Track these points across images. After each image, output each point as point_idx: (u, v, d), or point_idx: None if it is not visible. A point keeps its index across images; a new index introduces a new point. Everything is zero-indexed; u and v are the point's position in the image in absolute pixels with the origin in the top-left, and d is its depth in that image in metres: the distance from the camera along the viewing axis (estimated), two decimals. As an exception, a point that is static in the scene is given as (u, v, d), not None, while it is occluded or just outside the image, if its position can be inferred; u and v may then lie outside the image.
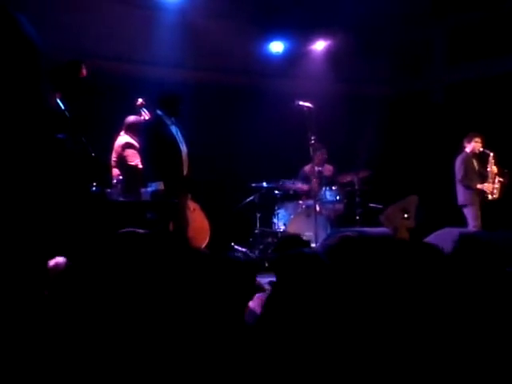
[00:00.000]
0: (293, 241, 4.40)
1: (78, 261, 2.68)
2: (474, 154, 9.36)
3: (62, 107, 5.88)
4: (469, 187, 9.24)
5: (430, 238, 8.25)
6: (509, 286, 2.61)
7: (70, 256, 3.30)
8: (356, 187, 9.63)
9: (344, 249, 2.35)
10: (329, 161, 9.98)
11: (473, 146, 9.32)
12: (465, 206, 9.27)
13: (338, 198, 9.66)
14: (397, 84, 11.80)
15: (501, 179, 9.26)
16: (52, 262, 3.76)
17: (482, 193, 9.20)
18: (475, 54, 11.13)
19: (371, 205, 9.92)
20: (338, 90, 10.95)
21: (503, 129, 10.18)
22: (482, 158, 9.36)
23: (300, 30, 10.60)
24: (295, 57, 11.07)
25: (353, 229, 8.63)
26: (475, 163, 9.35)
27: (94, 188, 5.96)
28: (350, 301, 2.32)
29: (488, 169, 9.29)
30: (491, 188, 9.22)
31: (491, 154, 9.30)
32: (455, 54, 11.59)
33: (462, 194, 9.32)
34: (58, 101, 5.87)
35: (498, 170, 9.29)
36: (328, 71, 11.16)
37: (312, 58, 11.31)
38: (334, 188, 9.66)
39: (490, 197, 9.20)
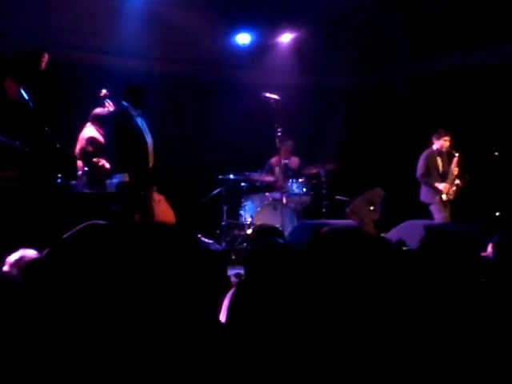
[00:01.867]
0: (269, 232, 4.37)
1: (46, 253, 2.63)
2: (439, 152, 9.32)
3: (26, 98, 5.79)
4: (427, 184, 9.30)
5: (394, 231, 8.35)
6: (482, 274, 2.64)
7: (37, 248, 3.25)
8: (322, 179, 9.66)
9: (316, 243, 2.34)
10: (295, 153, 9.98)
11: (441, 143, 9.28)
12: (426, 204, 9.33)
13: (304, 190, 9.67)
14: (362, 76, 11.84)
15: (458, 182, 9.27)
16: (17, 255, 3.70)
17: (439, 191, 9.22)
18: (439, 46, 11.21)
19: (337, 197, 9.96)
20: (304, 82, 10.97)
21: (467, 121, 10.27)
22: (447, 156, 9.36)
23: (266, 22, 10.58)
24: (262, 49, 11.04)
25: (319, 221, 8.67)
26: (439, 161, 9.32)
27: (58, 180, 5.88)
28: (321, 292, 2.31)
29: (450, 169, 9.30)
30: (448, 188, 9.19)
31: (456, 155, 9.25)
32: (419, 46, 11.66)
33: (422, 192, 9.39)
34: (22, 91, 5.79)
35: (460, 171, 9.30)
36: (294, 63, 11.17)
37: (278, 50, 11.29)
38: (300, 180, 9.67)
39: (444, 197, 9.19)
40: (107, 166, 7.24)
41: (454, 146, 9.31)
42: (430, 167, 9.29)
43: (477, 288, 2.60)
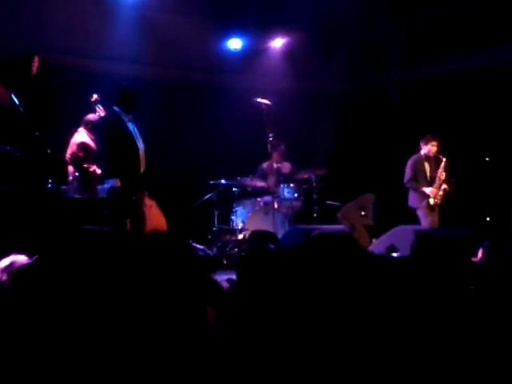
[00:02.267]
0: (264, 237, 4.37)
1: (37, 259, 2.63)
2: (427, 157, 9.35)
3: (17, 103, 5.78)
4: (414, 189, 9.33)
5: (385, 237, 8.36)
6: (473, 278, 2.64)
7: (28, 254, 3.24)
8: (314, 184, 9.66)
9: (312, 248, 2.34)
10: (287, 158, 9.98)
11: (428, 148, 9.31)
12: (414, 209, 9.36)
13: (295, 195, 9.67)
14: (354, 82, 11.87)
15: (446, 186, 9.30)
16: (8, 261, 3.68)
17: (427, 196, 9.25)
18: (431, 51, 11.25)
19: (329, 202, 9.96)
20: (295, 88, 10.97)
21: (459, 126, 10.30)
22: (435, 161, 9.40)
23: (258, 27, 10.59)
24: (253, 54, 11.05)
25: (310, 226, 8.67)
26: (427, 166, 9.35)
27: (49, 185, 5.87)
28: (311, 297, 2.31)
29: (438, 174, 9.34)
30: (435, 193, 9.22)
31: (444, 160, 9.30)
32: (411, 52, 11.69)
33: (410, 197, 9.42)
34: (13, 97, 5.77)
35: (447, 176, 9.33)
36: (286, 68, 11.18)
37: (270, 55, 11.31)
38: (291, 185, 9.67)
39: (431, 201, 9.22)
40: (98, 171, 7.24)
41: (443, 151, 9.33)
42: (418, 172, 9.32)
43: (468, 292, 2.60)
